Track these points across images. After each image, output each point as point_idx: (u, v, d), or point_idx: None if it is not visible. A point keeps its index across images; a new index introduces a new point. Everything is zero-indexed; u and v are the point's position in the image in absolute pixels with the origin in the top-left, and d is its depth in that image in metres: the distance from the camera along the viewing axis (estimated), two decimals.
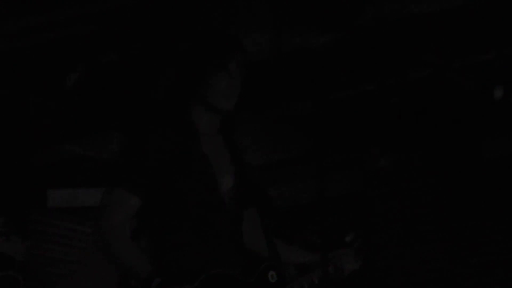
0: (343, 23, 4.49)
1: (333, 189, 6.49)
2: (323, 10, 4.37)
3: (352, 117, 5.64)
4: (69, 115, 5.16)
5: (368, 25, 4.55)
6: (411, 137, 6.01)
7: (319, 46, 4.64)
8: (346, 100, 5.40)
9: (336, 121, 5.63)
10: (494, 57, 4.92)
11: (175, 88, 2.83)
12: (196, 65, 2.76)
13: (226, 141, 2.86)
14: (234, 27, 4.26)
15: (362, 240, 2.96)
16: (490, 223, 6.09)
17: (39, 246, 6.27)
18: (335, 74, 5.01)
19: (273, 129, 5.54)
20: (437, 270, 6.17)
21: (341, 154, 6.19)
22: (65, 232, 6.44)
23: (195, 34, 2.93)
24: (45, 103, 4.98)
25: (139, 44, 4.54)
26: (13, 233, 5.99)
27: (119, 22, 4.35)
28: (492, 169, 6.14)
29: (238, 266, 2.71)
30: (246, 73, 2.78)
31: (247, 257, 2.78)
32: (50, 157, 5.83)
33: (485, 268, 6.02)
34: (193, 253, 2.68)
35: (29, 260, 6.11)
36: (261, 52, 4.55)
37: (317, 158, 6.18)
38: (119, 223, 2.64)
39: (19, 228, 6.03)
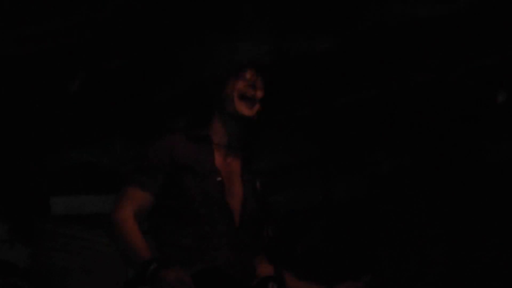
0: (345, 27, 4.49)
1: (337, 194, 6.49)
2: (324, 15, 4.38)
3: (355, 122, 5.64)
4: (72, 122, 5.17)
5: (370, 30, 4.55)
6: (414, 141, 6.01)
7: (322, 51, 4.64)
8: (349, 105, 5.40)
9: (339, 126, 5.63)
10: (497, 61, 4.93)
11: (195, 98, 2.88)
12: (214, 75, 2.82)
13: (242, 155, 2.88)
14: (236, 33, 4.27)
15: (377, 279, 2.92)
16: (493, 227, 6.08)
17: (43, 253, 6.26)
18: (338, 79, 5.01)
19: (276, 134, 5.54)
20: (440, 275, 6.16)
21: (344, 159, 6.19)
22: (69, 240, 6.44)
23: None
24: (48, 110, 4.99)
25: (141, 50, 4.55)
26: (17, 240, 5.99)
27: (122, 28, 4.36)
28: (495, 173, 6.13)
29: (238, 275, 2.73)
30: (266, 83, 2.83)
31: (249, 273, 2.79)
32: (53, 164, 5.83)
33: (488, 273, 6.01)
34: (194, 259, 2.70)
35: (32, 268, 6.10)
36: (264, 58, 4.55)
37: (321, 163, 6.18)
38: (130, 215, 2.69)
39: (22, 235, 6.03)
